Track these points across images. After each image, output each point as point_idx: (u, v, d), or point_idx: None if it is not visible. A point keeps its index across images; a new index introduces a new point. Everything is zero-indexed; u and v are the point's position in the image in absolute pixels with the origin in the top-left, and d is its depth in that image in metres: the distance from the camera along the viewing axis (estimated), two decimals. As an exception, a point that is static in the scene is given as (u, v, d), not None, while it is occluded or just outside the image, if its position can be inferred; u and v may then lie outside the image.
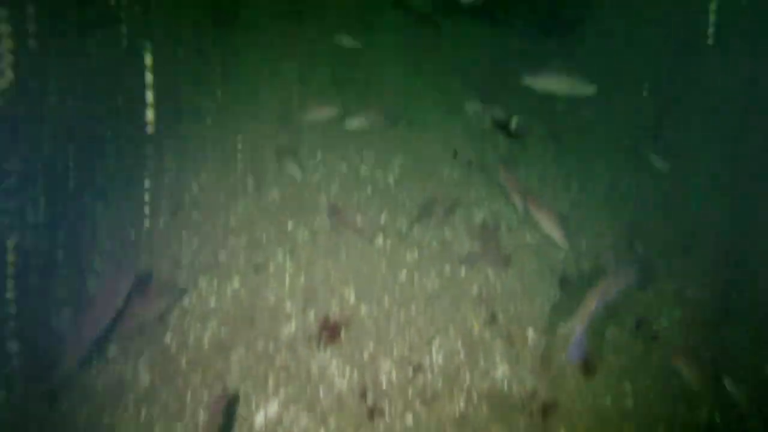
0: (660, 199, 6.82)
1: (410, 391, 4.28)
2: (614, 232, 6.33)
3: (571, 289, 5.42)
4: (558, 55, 10.15)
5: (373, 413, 4.10)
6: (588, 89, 5.55)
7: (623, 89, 9.12)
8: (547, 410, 4.45)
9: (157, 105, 6.01)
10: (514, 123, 7.65)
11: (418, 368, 4.42)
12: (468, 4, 8.09)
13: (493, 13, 10.69)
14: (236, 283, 4.64)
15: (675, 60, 9.51)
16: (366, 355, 4.42)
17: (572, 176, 7.03)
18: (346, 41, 6.91)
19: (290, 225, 5.23)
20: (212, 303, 4.49)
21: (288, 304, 4.57)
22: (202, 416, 3.93)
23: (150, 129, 5.74)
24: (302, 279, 4.78)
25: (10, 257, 4.27)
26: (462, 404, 4.28)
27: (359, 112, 6.38)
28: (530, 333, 4.94)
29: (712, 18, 10.20)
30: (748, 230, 6.58)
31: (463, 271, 5.29)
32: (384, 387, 4.25)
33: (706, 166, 7.41)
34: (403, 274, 5.08)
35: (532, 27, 10.77)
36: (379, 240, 5.35)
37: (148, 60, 5.83)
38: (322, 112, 6.05)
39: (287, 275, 4.76)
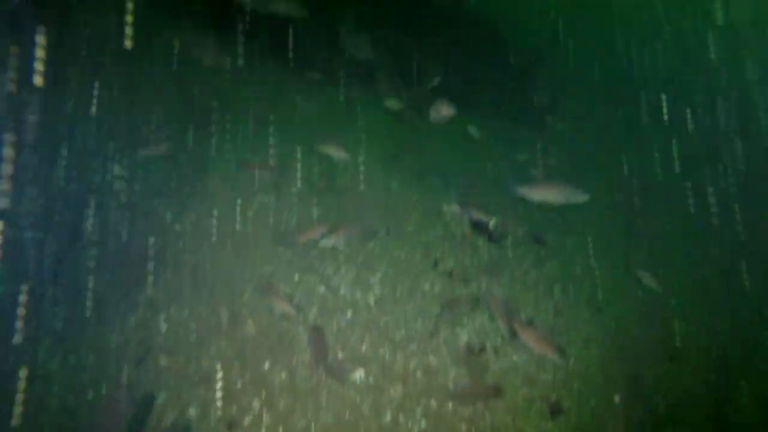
0: (644, 304, 6.79)
1: None
2: (600, 343, 6.20)
3: (563, 418, 5.19)
4: (530, 143, 10.45)
5: None
6: (582, 197, 5.67)
7: (598, 179, 9.34)
8: None
9: (125, 232, 5.81)
10: (492, 224, 7.67)
11: None
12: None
13: (461, 105, 11.02)
14: (207, 445, 4.28)
15: (646, 150, 9.88)
16: None
17: (555, 280, 6.97)
18: (332, 152, 6.93)
19: (267, 365, 4.93)
20: (180, 475, 4.10)
21: (264, 468, 4.20)
22: None
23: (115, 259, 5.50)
24: (280, 433, 4.44)
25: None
26: None
27: (336, 227, 6.32)
28: (525, 477, 4.66)
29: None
30: (736, 337, 6.55)
31: (450, 404, 5.03)
32: None
33: (687, 268, 7.50)
34: (387, 416, 4.79)
35: (503, 117, 11.14)
36: (361, 374, 5.08)
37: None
38: (313, 234, 5.93)
39: (264, 430, 4.42)
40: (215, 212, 6.50)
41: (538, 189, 5.68)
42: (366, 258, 6.41)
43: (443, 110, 6.20)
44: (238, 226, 6.36)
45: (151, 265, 5.62)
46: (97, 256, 5.68)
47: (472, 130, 9.82)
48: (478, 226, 7.53)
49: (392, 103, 8.77)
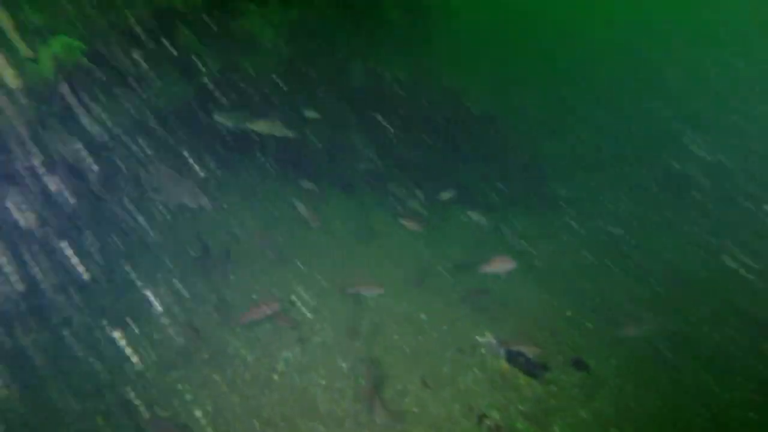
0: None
1: None
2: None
3: None
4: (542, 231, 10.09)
5: None
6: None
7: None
8: None
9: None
10: (531, 354, 7.14)
11: None
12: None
13: (475, 200, 10.77)
14: None
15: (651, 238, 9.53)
16: None
17: (609, 424, 6.35)
18: (365, 290, 6.77)
19: None
20: None
21: None
22: None
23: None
24: None
25: None
26: None
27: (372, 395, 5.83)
28: None
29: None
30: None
31: None
32: None
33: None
34: None
35: (514, 206, 10.86)
36: None
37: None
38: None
39: None
40: (237, 382, 6.02)
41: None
42: (405, 423, 5.85)
43: (502, 265, 6.09)
44: (263, 399, 5.84)
45: None
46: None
47: (474, 216, 9.52)
48: (516, 359, 7.01)
49: (409, 223, 8.48)
